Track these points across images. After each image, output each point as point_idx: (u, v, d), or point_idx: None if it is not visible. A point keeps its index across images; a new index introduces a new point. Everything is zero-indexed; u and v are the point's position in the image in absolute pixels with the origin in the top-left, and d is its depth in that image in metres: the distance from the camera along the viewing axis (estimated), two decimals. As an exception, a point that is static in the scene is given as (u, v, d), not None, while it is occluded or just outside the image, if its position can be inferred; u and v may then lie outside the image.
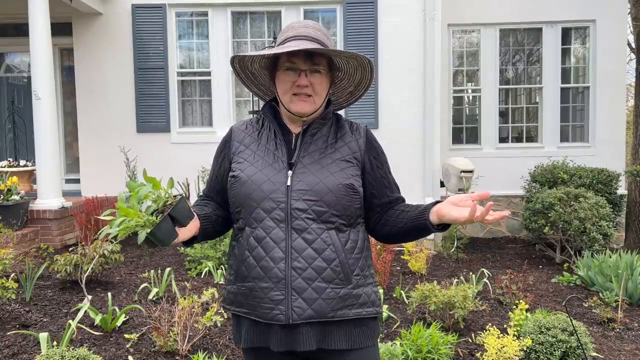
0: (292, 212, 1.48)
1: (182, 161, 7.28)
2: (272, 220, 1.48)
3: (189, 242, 1.52)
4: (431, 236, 6.76)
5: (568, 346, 3.12)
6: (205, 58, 7.48)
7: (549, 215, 5.95)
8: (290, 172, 1.52)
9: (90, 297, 4.20)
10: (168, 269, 4.62)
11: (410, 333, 3.32)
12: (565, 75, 8.13)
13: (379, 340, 2.99)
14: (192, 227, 1.48)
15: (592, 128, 8.05)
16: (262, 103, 1.75)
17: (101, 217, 1.36)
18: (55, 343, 3.31)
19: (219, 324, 3.55)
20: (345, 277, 1.51)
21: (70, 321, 3.39)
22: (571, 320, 3.12)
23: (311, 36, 1.53)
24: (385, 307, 4.09)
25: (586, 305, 4.49)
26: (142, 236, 1.25)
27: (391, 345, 3.10)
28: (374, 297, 1.60)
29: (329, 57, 1.56)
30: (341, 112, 1.78)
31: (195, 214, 1.48)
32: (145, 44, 7.30)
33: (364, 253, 1.59)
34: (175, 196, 1.35)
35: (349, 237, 1.54)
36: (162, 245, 1.30)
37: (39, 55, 5.88)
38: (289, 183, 1.50)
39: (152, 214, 1.28)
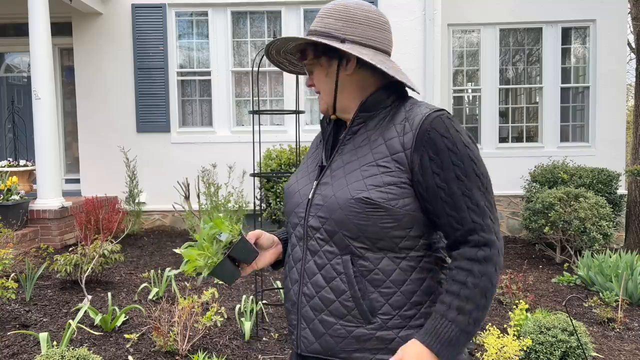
0: (307, 231, 1.28)
1: (182, 161, 7.28)
2: (295, 237, 1.33)
3: (275, 266, 1.48)
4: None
5: (568, 346, 3.12)
6: (205, 58, 7.48)
7: (549, 215, 5.95)
8: (315, 182, 1.31)
9: (90, 297, 4.20)
10: (168, 269, 4.62)
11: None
12: (565, 75, 8.13)
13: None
14: (269, 256, 1.42)
15: (592, 128, 8.05)
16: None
17: (178, 250, 1.48)
18: (55, 343, 3.31)
19: (219, 324, 3.55)
20: (361, 314, 1.21)
21: (70, 321, 3.39)
22: (571, 320, 3.11)
23: (310, 28, 1.32)
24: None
25: (586, 305, 4.49)
26: (200, 277, 1.37)
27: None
28: None
29: (324, 45, 1.28)
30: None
31: (258, 250, 1.35)
32: (145, 43, 7.30)
33: (407, 287, 1.22)
34: (237, 236, 1.32)
35: (375, 266, 1.21)
36: (227, 283, 1.37)
37: (39, 55, 5.88)
38: (310, 195, 1.30)
39: (218, 254, 1.31)
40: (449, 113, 1.23)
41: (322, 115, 1.40)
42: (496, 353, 3.05)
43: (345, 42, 1.25)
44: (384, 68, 1.22)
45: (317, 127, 7.48)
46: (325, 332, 1.25)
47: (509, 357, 3.03)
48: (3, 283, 3.77)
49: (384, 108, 1.29)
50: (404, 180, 1.19)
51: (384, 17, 1.31)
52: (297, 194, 1.35)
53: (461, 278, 1.15)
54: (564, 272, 5.45)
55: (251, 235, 1.40)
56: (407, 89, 1.33)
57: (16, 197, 5.73)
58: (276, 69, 7.45)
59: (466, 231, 1.17)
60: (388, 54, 1.31)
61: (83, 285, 4.16)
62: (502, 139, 8.26)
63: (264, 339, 3.62)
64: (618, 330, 4.01)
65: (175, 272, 4.55)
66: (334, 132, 1.39)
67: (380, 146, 1.23)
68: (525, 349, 3.13)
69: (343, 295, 1.22)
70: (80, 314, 3.54)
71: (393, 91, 1.30)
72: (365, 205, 1.18)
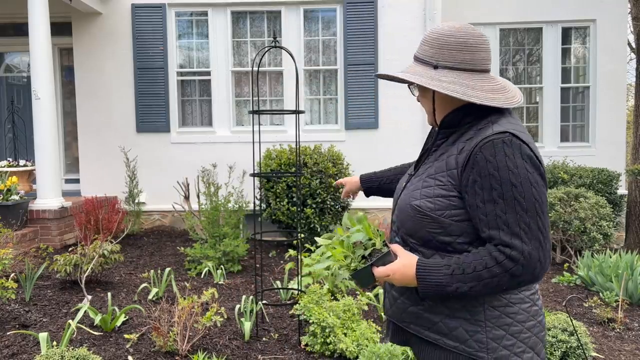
0: (391, 223, 1.57)
1: (182, 161, 7.28)
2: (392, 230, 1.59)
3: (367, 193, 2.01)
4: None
5: (568, 346, 3.12)
6: (205, 58, 7.48)
7: (549, 215, 5.95)
8: (404, 185, 1.53)
9: (90, 297, 4.20)
10: (168, 269, 4.62)
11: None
12: (565, 75, 8.13)
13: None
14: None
15: (592, 128, 8.05)
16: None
17: (319, 240, 1.51)
18: (54, 343, 3.31)
19: (218, 324, 3.54)
20: (413, 296, 1.45)
21: (70, 321, 3.38)
22: (571, 320, 3.11)
23: (414, 55, 1.49)
24: (385, 307, 4.08)
25: (586, 305, 4.48)
26: (339, 278, 1.40)
27: (391, 346, 3.09)
28: (461, 334, 1.39)
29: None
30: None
31: (396, 258, 1.48)
32: (145, 43, 7.30)
33: None
34: (383, 247, 1.41)
35: (427, 259, 1.41)
36: (361, 287, 1.47)
37: (39, 55, 5.88)
38: (398, 195, 1.55)
39: (361, 258, 1.38)
40: (511, 135, 1.30)
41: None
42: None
43: (437, 68, 1.40)
44: (449, 92, 1.35)
45: (317, 127, 7.49)
46: (394, 303, 1.53)
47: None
48: (3, 283, 3.77)
49: (464, 124, 1.42)
50: (453, 194, 1.35)
51: (475, 38, 1.39)
52: (395, 192, 1.61)
53: (472, 257, 1.30)
54: (564, 272, 5.44)
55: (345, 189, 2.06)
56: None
57: (16, 197, 5.73)
58: (276, 68, 7.46)
59: (487, 237, 1.32)
60: (481, 71, 1.40)
61: (83, 286, 4.15)
62: (502, 139, 8.24)
63: (263, 339, 3.62)
64: (618, 330, 4.00)
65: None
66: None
67: (442, 161, 1.40)
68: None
69: None
70: (80, 314, 3.54)
71: (477, 109, 1.40)
72: (415, 211, 1.39)
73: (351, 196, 2.11)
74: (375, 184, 1.98)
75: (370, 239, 1.35)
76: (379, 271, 1.36)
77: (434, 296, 1.33)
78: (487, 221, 1.30)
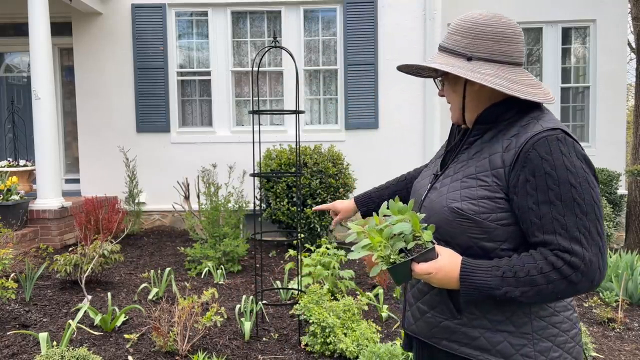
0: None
1: (182, 161, 7.28)
2: None
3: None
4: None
5: (568, 346, 3.11)
6: (205, 58, 7.48)
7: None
8: (429, 185, 1.42)
9: (90, 297, 4.20)
10: (168, 269, 4.62)
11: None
12: (565, 75, 8.13)
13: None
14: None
15: (592, 128, 8.05)
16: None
17: (351, 225, 1.29)
18: (55, 343, 3.31)
19: (218, 324, 3.54)
20: (448, 309, 1.31)
21: (70, 321, 3.39)
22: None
23: (441, 45, 1.37)
24: (385, 307, 4.09)
25: (586, 305, 4.48)
26: (375, 270, 1.22)
27: (391, 346, 3.09)
28: (506, 349, 1.26)
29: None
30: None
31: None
32: (145, 43, 7.30)
33: None
34: (428, 242, 1.23)
35: None
36: (397, 284, 1.30)
37: (39, 55, 5.88)
38: (423, 197, 1.42)
39: (399, 251, 1.21)
40: (563, 132, 1.21)
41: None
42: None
43: (471, 60, 1.29)
44: (494, 86, 1.24)
45: (317, 127, 7.48)
46: (420, 318, 1.39)
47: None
48: (3, 283, 3.77)
49: (503, 121, 1.31)
50: (499, 196, 1.23)
51: (512, 28, 1.30)
52: (417, 194, 1.48)
53: (525, 260, 1.19)
54: (564, 272, 5.45)
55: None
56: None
57: (16, 197, 5.73)
58: (276, 68, 7.46)
59: (540, 241, 1.20)
60: (517, 64, 1.31)
61: (83, 285, 4.15)
62: (502, 139, 8.25)
63: (263, 339, 3.62)
64: (618, 330, 4.00)
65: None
66: (461, 138, 1.45)
67: (484, 160, 1.29)
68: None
69: (434, 289, 1.33)
70: (80, 314, 3.54)
71: (516, 104, 1.31)
72: (455, 214, 1.26)
73: (341, 223, 1.94)
74: (374, 205, 1.82)
75: (414, 232, 1.21)
76: (421, 268, 1.19)
77: (477, 300, 1.21)
78: (541, 224, 1.18)
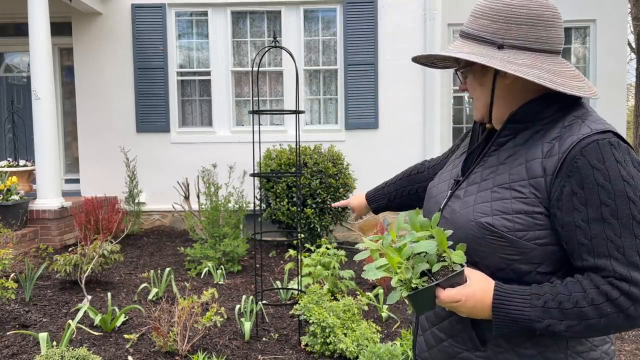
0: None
1: (182, 161, 7.28)
2: None
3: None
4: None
5: (568, 346, 3.11)
6: (205, 58, 7.48)
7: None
8: (450, 192, 1.22)
9: (89, 297, 4.20)
10: (168, 269, 4.62)
11: (410, 333, 3.32)
12: (565, 75, 8.13)
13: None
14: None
15: (592, 128, 8.05)
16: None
17: (365, 240, 1.10)
18: (54, 343, 3.30)
19: (218, 324, 3.54)
20: (471, 340, 1.12)
21: (69, 321, 3.38)
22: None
23: (462, 29, 1.18)
24: (385, 307, 4.09)
25: (586, 306, 4.48)
26: (394, 297, 1.02)
27: (391, 346, 3.09)
28: None
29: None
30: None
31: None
32: (145, 43, 7.30)
33: None
34: (454, 264, 1.03)
35: None
36: (416, 312, 1.11)
37: (39, 55, 5.88)
38: (442, 205, 1.22)
39: (420, 274, 1.02)
40: (616, 136, 1.02)
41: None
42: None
43: (502, 48, 1.09)
44: (535, 79, 1.04)
45: (317, 127, 7.48)
46: (435, 346, 1.21)
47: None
48: (3, 283, 3.77)
49: (540, 120, 1.11)
50: (538, 210, 1.04)
51: (551, 10, 1.11)
52: (433, 200, 1.28)
53: (571, 288, 1.00)
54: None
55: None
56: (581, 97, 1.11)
57: (16, 197, 5.73)
58: (276, 68, 7.46)
59: (591, 266, 1.00)
60: (557, 53, 1.13)
61: (83, 286, 4.15)
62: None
63: (263, 339, 3.62)
64: (618, 330, 4.00)
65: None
66: (486, 139, 1.25)
67: (520, 167, 1.08)
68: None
69: (454, 316, 1.13)
70: (80, 314, 3.54)
71: (556, 100, 1.10)
72: (485, 231, 1.06)
73: (362, 217, 1.86)
74: (384, 202, 1.73)
75: (440, 253, 1.03)
76: (448, 295, 1.00)
77: (512, 333, 1.03)
78: (592, 246, 0.99)
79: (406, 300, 1.03)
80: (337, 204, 1.89)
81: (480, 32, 1.12)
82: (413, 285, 1.01)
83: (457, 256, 1.02)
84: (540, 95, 1.12)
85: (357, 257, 1.10)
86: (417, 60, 1.29)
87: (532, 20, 1.09)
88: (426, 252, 1.02)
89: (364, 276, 1.05)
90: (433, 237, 1.04)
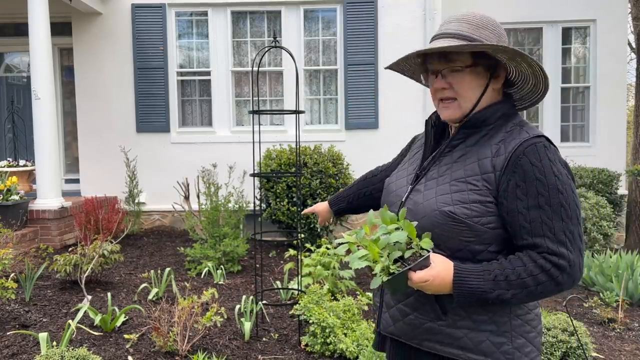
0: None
1: (182, 161, 7.28)
2: None
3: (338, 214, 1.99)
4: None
5: (568, 346, 3.11)
6: (205, 58, 7.48)
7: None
8: (410, 187, 1.41)
9: (89, 297, 4.20)
10: (168, 269, 4.62)
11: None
12: (565, 75, 8.12)
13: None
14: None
15: (592, 128, 8.04)
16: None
17: (344, 235, 1.29)
18: (54, 343, 3.30)
19: (218, 324, 3.54)
20: (433, 312, 1.32)
21: (69, 321, 3.38)
22: (571, 320, 3.11)
23: (450, 32, 1.31)
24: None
25: (586, 306, 4.48)
26: (376, 282, 1.19)
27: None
28: (488, 347, 1.30)
29: (479, 50, 1.31)
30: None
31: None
32: (145, 43, 7.30)
33: None
34: (422, 250, 1.22)
35: None
36: (391, 293, 1.33)
37: (39, 55, 5.88)
38: (404, 198, 1.40)
39: (394, 261, 1.20)
40: (547, 140, 1.27)
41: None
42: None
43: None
44: (532, 62, 1.27)
45: (317, 127, 7.48)
46: (401, 320, 1.39)
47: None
48: (3, 283, 3.77)
49: (486, 126, 1.34)
50: (489, 200, 1.26)
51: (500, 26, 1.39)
52: (394, 194, 1.47)
53: (514, 263, 1.22)
54: (564, 272, 5.44)
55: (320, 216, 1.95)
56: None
57: (16, 197, 5.73)
58: (276, 68, 7.46)
59: (530, 244, 1.24)
60: None
61: (83, 286, 4.15)
62: (502, 139, 8.25)
63: (263, 339, 3.62)
64: (618, 330, 4.00)
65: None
66: (437, 137, 1.47)
67: (473, 164, 1.30)
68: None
69: (419, 292, 1.30)
70: (80, 314, 3.53)
71: (500, 109, 1.35)
72: (448, 218, 1.27)
73: (326, 223, 2.04)
74: (343, 204, 1.93)
75: (411, 241, 1.21)
76: (418, 276, 1.19)
77: (470, 304, 1.24)
78: (530, 228, 1.23)
79: (384, 285, 1.20)
80: (305, 211, 2.07)
81: (469, 33, 1.30)
82: (391, 271, 1.19)
83: (425, 243, 1.21)
84: (494, 102, 1.35)
85: (338, 251, 1.29)
86: (420, 52, 1.37)
87: (496, 31, 1.33)
88: (398, 242, 1.20)
89: (351, 266, 1.20)
90: (400, 229, 1.21)
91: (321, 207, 2.01)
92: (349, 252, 1.26)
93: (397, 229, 1.22)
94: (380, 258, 1.20)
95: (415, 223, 1.23)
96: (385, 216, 1.25)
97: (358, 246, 1.24)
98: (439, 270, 1.21)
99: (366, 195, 1.89)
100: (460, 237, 1.27)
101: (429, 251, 1.21)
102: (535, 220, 1.22)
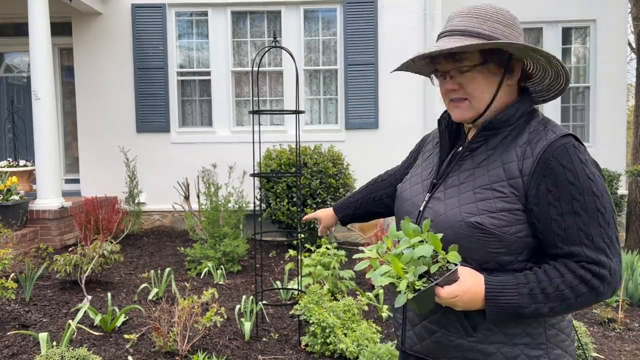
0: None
1: (182, 161, 7.28)
2: None
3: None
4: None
5: (569, 346, 3.11)
6: (205, 58, 7.48)
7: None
8: (428, 195, 1.31)
9: (89, 297, 4.20)
10: (168, 269, 4.62)
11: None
12: (565, 75, 8.12)
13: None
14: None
15: (592, 128, 8.05)
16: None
17: (366, 251, 1.21)
18: (54, 343, 3.30)
19: (218, 325, 3.54)
20: (463, 328, 1.23)
21: (70, 321, 3.38)
22: (571, 320, 3.10)
23: (456, 28, 1.22)
24: (385, 307, 4.08)
25: (587, 306, 4.48)
26: (401, 301, 1.10)
27: (391, 346, 3.09)
28: None
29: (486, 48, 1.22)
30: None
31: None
32: (145, 43, 7.30)
33: None
34: (449, 264, 1.14)
35: None
36: (418, 311, 1.20)
37: (39, 55, 5.88)
38: (422, 207, 1.31)
39: (420, 276, 1.12)
40: (576, 140, 1.18)
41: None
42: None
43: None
44: (548, 57, 1.19)
45: (317, 127, 7.48)
46: (427, 338, 1.29)
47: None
48: (3, 283, 3.77)
49: (508, 127, 1.24)
50: (517, 207, 1.17)
51: (514, 17, 1.29)
52: (409, 202, 1.37)
53: (551, 274, 1.14)
54: (564, 272, 5.44)
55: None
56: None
57: (16, 197, 5.73)
58: (276, 68, 7.46)
59: (566, 253, 1.15)
60: None
61: (83, 286, 4.15)
62: (502, 139, 8.25)
63: (264, 339, 3.62)
64: (618, 330, 4.00)
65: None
66: (452, 138, 1.38)
67: (498, 169, 1.20)
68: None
69: (446, 308, 1.21)
70: (80, 314, 3.53)
71: (520, 107, 1.25)
72: (474, 229, 1.17)
73: (328, 230, 1.90)
74: (350, 211, 1.81)
75: (436, 254, 1.13)
76: (447, 292, 1.11)
77: (504, 319, 1.17)
78: (566, 236, 1.13)
79: (408, 304, 1.10)
80: (306, 217, 1.94)
81: (493, 32, 1.20)
82: (416, 288, 1.09)
83: (453, 256, 1.12)
84: (515, 101, 1.26)
85: (357, 267, 1.21)
86: (425, 56, 1.29)
87: (507, 21, 1.23)
88: (423, 256, 1.11)
89: (374, 284, 1.15)
90: (425, 242, 1.13)
91: (324, 213, 1.89)
92: (370, 266, 1.19)
93: (421, 242, 1.14)
94: (404, 274, 1.11)
95: (440, 235, 1.14)
96: (407, 228, 1.16)
97: (380, 261, 1.16)
98: (469, 285, 1.13)
99: (375, 200, 1.78)
100: (488, 249, 1.17)
101: (456, 265, 1.12)
102: (571, 227, 1.12)
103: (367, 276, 1.16)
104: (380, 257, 1.16)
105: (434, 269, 1.12)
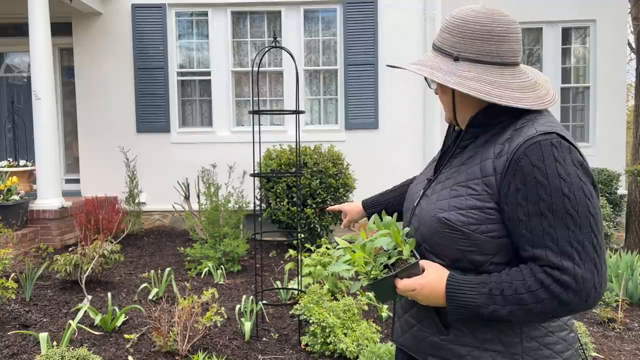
0: (407, 236, 1.32)
1: (182, 161, 7.29)
2: None
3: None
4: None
5: (568, 346, 3.11)
6: (205, 58, 7.48)
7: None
8: (422, 192, 1.34)
9: (90, 297, 4.20)
10: (168, 269, 4.62)
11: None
12: (565, 75, 8.13)
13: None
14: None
15: (592, 128, 8.05)
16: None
17: (338, 240, 1.28)
18: (55, 343, 3.31)
19: (219, 324, 3.54)
20: (435, 325, 1.24)
21: (70, 321, 3.39)
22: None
23: (434, 44, 1.28)
24: (385, 307, 4.09)
25: (586, 305, 4.48)
26: (356, 286, 1.18)
27: (391, 345, 3.09)
28: None
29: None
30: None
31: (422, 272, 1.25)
32: (145, 43, 7.30)
33: None
34: (409, 257, 1.19)
35: None
36: (379, 300, 1.27)
37: (39, 55, 5.88)
38: (415, 203, 1.34)
39: (383, 267, 1.18)
40: (559, 137, 1.10)
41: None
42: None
43: (458, 60, 1.20)
44: (469, 91, 1.15)
45: (317, 127, 7.49)
46: (407, 331, 1.34)
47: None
48: (3, 283, 3.77)
49: (498, 123, 1.21)
50: (490, 206, 1.14)
51: (503, 26, 1.18)
52: (409, 200, 1.41)
53: (513, 276, 1.11)
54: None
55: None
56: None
57: (16, 197, 5.73)
58: (276, 69, 7.46)
59: (530, 256, 1.11)
60: (510, 65, 1.20)
61: (83, 286, 4.15)
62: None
63: (264, 339, 3.62)
64: (618, 330, 4.00)
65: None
66: (457, 136, 1.38)
67: (475, 166, 1.19)
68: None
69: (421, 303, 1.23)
70: (80, 314, 3.54)
71: (507, 109, 1.19)
72: (443, 225, 1.18)
73: (352, 226, 1.88)
74: (380, 208, 1.76)
75: (396, 247, 1.18)
76: (404, 284, 1.14)
77: (465, 318, 1.14)
78: (530, 238, 1.09)
79: (367, 289, 1.19)
80: (331, 208, 1.94)
81: (442, 44, 1.23)
82: (372, 276, 1.17)
83: (406, 250, 1.18)
84: (491, 103, 1.21)
85: (334, 254, 1.31)
86: (394, 67, 1.38)
87: (484, 36, 1.18)
88: (385, 248, 1.19)
89: (329, 269, 1.27)
90: (388, 235, 1.20)
91: (351, 206, 1.86)
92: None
93: (388, 234, 1.19)
94: (364, 263, 1.17)
95: (406, 230, 1.22)
96: (378, 222, 1.23)
97: (353, 251, 1.21)
98: (429, 280, 1.14)
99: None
100: (457, 246, 1.17)
101: (417, 258, 1.16)
102: (536, 229, 1.08)
103: (327, 268, 1.26)
104: (350, 247, 1.22)
105: (391, 260, 1.18)
